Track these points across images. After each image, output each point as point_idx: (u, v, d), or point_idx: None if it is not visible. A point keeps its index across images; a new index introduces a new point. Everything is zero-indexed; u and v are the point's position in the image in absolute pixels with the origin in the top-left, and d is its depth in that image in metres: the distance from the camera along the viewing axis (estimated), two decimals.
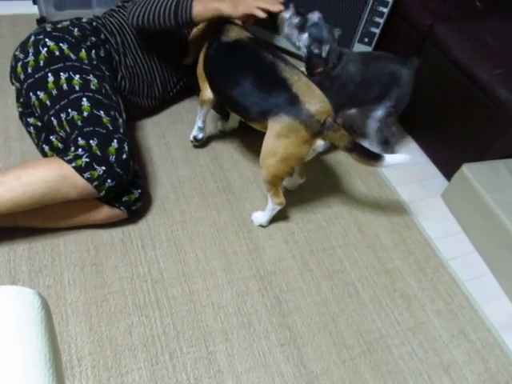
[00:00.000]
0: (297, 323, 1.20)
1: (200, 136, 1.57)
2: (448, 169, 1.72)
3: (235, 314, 1.18)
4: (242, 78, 1.24)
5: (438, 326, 1.27)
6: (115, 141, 1.17)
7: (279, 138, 1.19)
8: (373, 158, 1.23)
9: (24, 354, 0.34)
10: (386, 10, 1.81)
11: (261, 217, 1.39)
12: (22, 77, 1.27)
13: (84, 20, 1.41)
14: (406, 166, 1.79)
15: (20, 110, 1.41)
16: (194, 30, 1.47)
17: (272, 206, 1.34)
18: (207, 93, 1.41)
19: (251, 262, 1.31)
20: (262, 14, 1.26)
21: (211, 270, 1.27)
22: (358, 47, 1.93)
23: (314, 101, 1.16)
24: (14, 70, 1.32)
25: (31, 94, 1.25)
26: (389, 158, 1.24)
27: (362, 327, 1.23)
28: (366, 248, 1.43)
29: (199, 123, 1.53)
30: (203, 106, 1.47)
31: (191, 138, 1.58)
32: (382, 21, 1.84)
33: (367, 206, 1.57)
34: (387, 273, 1.38)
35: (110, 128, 1.19)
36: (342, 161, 1.72)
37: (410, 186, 1.71)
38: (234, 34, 1.32)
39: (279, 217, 1.42)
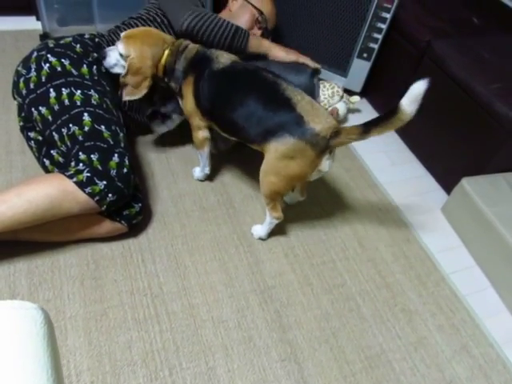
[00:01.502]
0: (297, 338, 1.19)
1: (205, 176, 1.55)
2: (448, 182, 1.72)
3: (235, 329, 1.17)
4: (244, 100, 1.22)
5: (440, 341, 1.26)
6: (116, 155, 1.18)
7: (284, 159, 1.18)
8: (393, 116, 1.07)
9: (26, 369, 0.34)
10: (384, 26, 1.84)
11: (260, 230, 1.39)
12: (24, 92, 1.29)
13: (86, 36, 1.43)
14: (406, 180, 1.80)
15: (21, 124, 1.42)
16: (137, 61, 1.31)
17: (270, 220, 1.34)
18: (203, 132, 1.38)
19: (251, 276, 1.31)
20: (307, 61, 1.50)
21: (211, 284, 1.26)
22: (358, 62, 1.96)
23: (319, 119, 1.15)
24: (16, 85, 1.33)
25: (33, 109, 1.26)
26: (405, 101, 1.06)
27: (363, 342, 1.22)
28: (367, 262, 1.43)
29: (206, 170, 1.51)
30: (204, 148, 1.42)
31: (195, 177, 1.55)
32: (380, 37, 1.86)
33: (367, 219, 1.57)
34: (388, 287, 1.37)
35: (111, 142, 1.20)
36: (342, 174, 1.72)
37: (410, 199, 1.71)
38: (225, 58, 1.30)
39: (279, 230, 1.42)
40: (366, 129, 1.13)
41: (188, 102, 1.34)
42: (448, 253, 1.54)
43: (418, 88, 1.04)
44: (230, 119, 1.26)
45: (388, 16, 1.81)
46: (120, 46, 1.31)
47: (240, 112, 1.23)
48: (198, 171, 1.53)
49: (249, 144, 1.29)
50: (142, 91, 1.34)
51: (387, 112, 1.09)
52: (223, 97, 1.27)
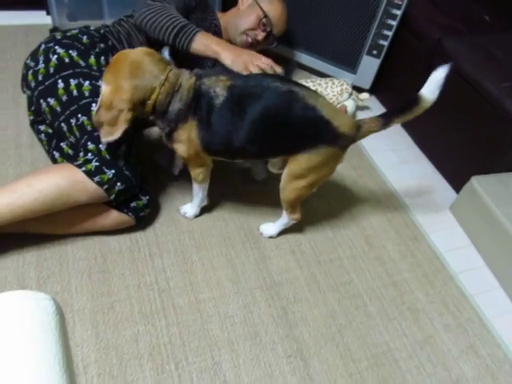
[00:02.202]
0: (303, 335, 1.19)
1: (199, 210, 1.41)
2: (457, 181, 1.71)
3: (241, 324, 1.17)
4: (266, 123, 1.10)
5: (447, 341, 1.26)
6: (123, 144, 1.18)
7: (317, 166, 1.16)
8: (414, 105, 1.11)
9: (39, 358, 0.34)
10: (394, 23, 1.82)
11: (272, 229, 1.39)
12: (33, 84, 1.29)
13: (92, 28, 1.44)
14: (415, 179, 1.78)
15: (31, 118, 1.43)
16: (113, 97, 1.06)
17: (287, 221, 1.34)
18: (204, 168, 1.25)
19: (258, 272, 1.30)
20: (256, 71, 1.26)
21: (218, 279, 1.26)
22: (367, 59, 1.94)
23: (343, 120, 1.13)
24: (25, 78, 1.34)
25: (42, 101, 1.27)
26: (427, 89, 1.09)
27: (370, 340, 1.21)
28: (374, 260, 1.42)
29: (205, 203, 1.38)
30: (205, 182, 1.31)
31: (191, 215, 1.38)
32: (390, 33, 1.85)
33: (375, 217, 1.57)
34: (395, 285, 1.36)
35: None
36: (350, 172, 1.72)
37: (419, 197, 1.70)
38: (221, 87, 1.11)
39: (286, 228, 1.42)
40: (387, 119, 1.14)
41: (190, 147, 1.15)
42: (456, 252, 1.53)
43: (440, 74, 1.06)
44: (253, 148, 1.15)
45: (398, 13, 1.80)
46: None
47: (265, 136, 1.13)
48: (192, 207, 1.37)
49: (270, 159, 1.27)
50: (120, 128, 1.07)
51: (408, 101, 1.11)
52: (238, 128, 1.11)
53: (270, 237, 1.40)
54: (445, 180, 1.80)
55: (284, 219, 1.35)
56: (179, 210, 1.39)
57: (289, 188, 1.22)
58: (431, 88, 1.09)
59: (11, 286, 1.14)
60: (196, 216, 1.40)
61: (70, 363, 0.38)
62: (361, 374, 1.14)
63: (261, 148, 1.17)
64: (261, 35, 1.59)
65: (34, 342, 0.35)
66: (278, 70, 1.30)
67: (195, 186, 1.31)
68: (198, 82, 1.12)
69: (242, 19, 1.57)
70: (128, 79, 1.05)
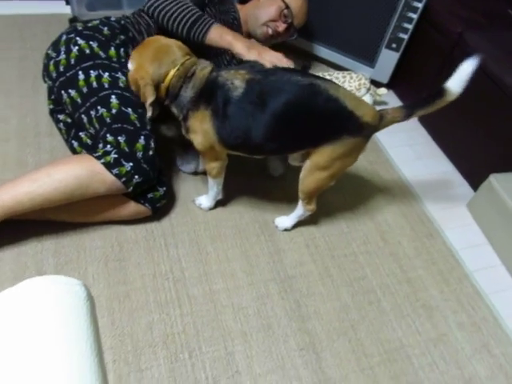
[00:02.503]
0: (316, 328, 1.19)
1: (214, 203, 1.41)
2: (474, 178, 1.69)
3: (255, 316, 1.18)
4: (288, 117, 1.10)
5: (461, 339, 1.25)
6: (142, 137, 1.19)
7: (341, 157, 1.16)
8: (438, 98, 1.10)
9: (70, 342, 0.35)
10: (415, 16, 1.79)
11: (287, 221, 1.39)
12: (54, 75, 1.31)
13: (113, 19, 1.44)
14: (431, 175, 1.77)
15: (51, 107, 1.44)
16: (137, 75, 1.18)
17: (303, 212, 1.34)
18: (220, 162, 1.25)
19: (272, 264, 1.31)
20: (272, 59, 1.28)
21: (232, 270, 1.27)
22: (386, 53, 1.92)
23: (366, 110, 1.13)
24: (46, 68, 1.35)
25: (63, 91, 1.28)
26: (453, 82, 1.08)
27: (382, 336, 1.21)
28: (388, 256, 1.42)
29: (220, 196, 1.39)
30: (220, 177, 1.31)
31: (206, 208, 1.39)
32: (410, 27, 1.82)
33: (390, 213, 1.55)
34: (409, 282, 1.36)
35: (138, 125, 1.21)
36: (366, 167, 1.70)
37: (435, 194, 1.68)
38: (239, 80, 1.11)
39: (301, 221, 1.42)
40: (410, 111, 1.14)
41: (205, 138, 1.16)
42: (472, 250, 1.51)
43: (468, 67, 1.05)
44: (274, 144, 1.15)
45: (419, 5, 1.77)
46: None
47: (287, 131, 1.13)
48: (207, 201, 1.38)
49: (289, 154, 1.28)
50: (149, 99, 1.16)
51: (433, 93, 1.11)
52: (257, 122, 1.10)
53: (285, 229, 1.40)
54: (462, 176, 1.78)
55: (299, 211, 1.35)
56: (194, 201, 1.40)
57: (309, 179, 1.22)
58: (457, 81, 1.08)
59: (30, 271, 1.16)
60: (211, 208, 1.41)
61: (100, 348, 0.39)
62: (373, 370, 1.14)
63: (282, 143, 1.17)
64: (282, 27, 1.59)
65: (66, 326, 0.36)
66: (289, 64, 1.30)
67: (210, 180, 1.32)
68: (214, 72, 1.14)
69: (263, 10, 1.56)
70: (149, 60, 1.15)
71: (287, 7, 1.57)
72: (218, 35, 1.32)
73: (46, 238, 1.23)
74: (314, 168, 1.20)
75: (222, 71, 1.14)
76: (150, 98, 1.15)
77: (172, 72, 1.14)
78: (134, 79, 1.19)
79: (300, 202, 1.32)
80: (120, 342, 1.07)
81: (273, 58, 1.29)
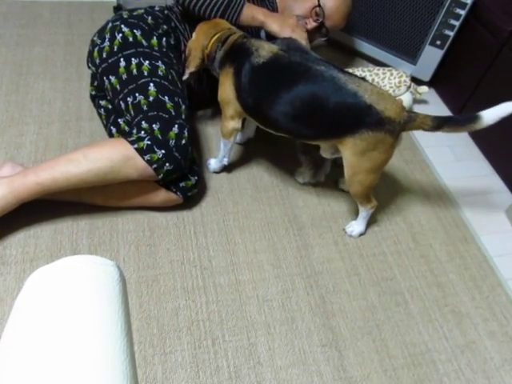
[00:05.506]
0: (340, 326, 1.18)
1: (222, 167, 1.48)
2: None
3: (279, 309, 1.19)
4: (300, 100, 1.15)
5: (490, 348, 1.21)
6: (176, 126, 1.21)
7: (365, 153, 1.16)
8: (469, 122, 1.11)
9: (102, 322, 0.37)
10: (463, 13, 1.72)
11: (356, 227, 1.38)
12: (98, 61, 1.34)
13: (157, 8, 1.46)
14: (470, 178, 1.71)
15: (93, 93, 1.48)
16: (192, 44, 1.36)
17: (366, 213, 1.35)
18: (234, 123, 1.32)
19: (299, 259, 1.31)
20: (304, 42, 1.37)
21: (259, 262, 1.28)
22: (429, 50, 1.86)
23: (389, 105, 1.12)
24: (90, 54, 1.39)
25: (105, 78, 1.32)
26: (488, 114, 1.08)
27: (408, 338, 1.19)
28: (419, 258, 1.38)
29: (225, 161, 1.42)
30: (230, 139, 1.36)
31: (211, 169, 1.47)
32: (457, 23, 1.75)
33: (423, 214, 1.52)
34: (439, 286, 1.32)
35: (173, 113, 1.23)
36: (402, 166, 1.67)
37: (473, 198, 1.63)
38: (266, 51, 1.20)
39: (330, 217, 1.41)
40: (439, 124, 1.13)
41: (225, 91, 1.27)
42: (508, 258, 1.46)
43: (508, 108, 1.06)
44: (284, 123, 1.20)
45: (468, 1, 1.70)
46: None
47: (297, 113, 1.17)
48: (215, 162, 1.45)
49: (308, 141, 1.28)
50: (191, 67, 1.34)
51: (466, 117, 1.12)
52: (271, 96, 1.18)
53: (361, 234, 1.40)
54: (502, 182, 1.71)
55: (363, 212, 1.35)
56: (206, 162, 1.49)
57: (354, 182, 1.24)
58: (493, 115, 1.09)
59: (65, 250, 1.21)
60: (217, 172, 1.48)
61: (129, 329, 0.40)
62: (396, 372, 1.13)
63: (294, 126, 1.20)
64: (311, 24, 1.54)
65: (99, 305, 0.38)
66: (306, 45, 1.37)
67: (221, 141, 1.39)
68: (243, 39, 1.27)
69: (297, 4, 1.54)
70: (202, 34, 1.33)
71: (319, 6, 1.53)
72: (250, 16, 1.40)
73: (81, 219, 1.27)
74: (349, 171, 1.22)
75: (252, 39, 1.26)
76: (191, 68, 1.34)
77: (213, 39, 1.30)
78: (189, 48, 1.36)
79: (360, 206, 1.33)
80: (146, 324, 1.10)
81: (303, 35, 1.40)
